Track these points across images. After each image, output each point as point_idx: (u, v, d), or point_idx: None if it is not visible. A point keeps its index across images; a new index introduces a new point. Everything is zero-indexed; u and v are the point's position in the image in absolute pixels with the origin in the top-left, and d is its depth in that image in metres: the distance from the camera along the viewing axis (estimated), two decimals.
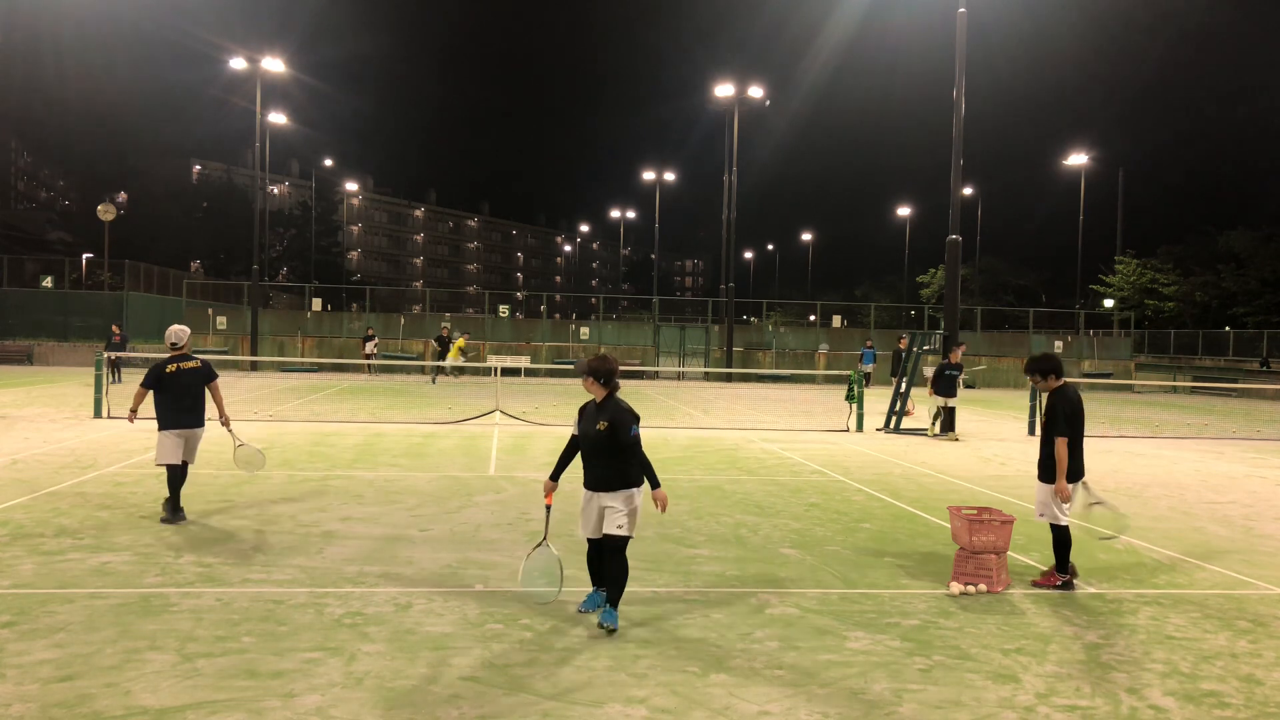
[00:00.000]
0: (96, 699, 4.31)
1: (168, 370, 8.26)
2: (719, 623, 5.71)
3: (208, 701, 4.31)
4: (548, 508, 5.86)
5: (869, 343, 35.89)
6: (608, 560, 5.59)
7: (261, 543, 7.45)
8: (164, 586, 6.16)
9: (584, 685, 4.64)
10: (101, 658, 4.83)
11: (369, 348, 34.36)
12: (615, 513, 5.53)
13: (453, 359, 30.56)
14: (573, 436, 5.77)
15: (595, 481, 5.63)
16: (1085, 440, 6.99)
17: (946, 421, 17.42)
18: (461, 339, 31.95)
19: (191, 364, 8.39)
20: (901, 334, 19.30)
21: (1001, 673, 5.00)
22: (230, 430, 8.80)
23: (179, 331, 8.55)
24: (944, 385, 17.29)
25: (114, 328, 28.14)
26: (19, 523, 7.94)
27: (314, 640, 5.19)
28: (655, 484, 5.65)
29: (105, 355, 17.85)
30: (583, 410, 5.75)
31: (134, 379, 23.84)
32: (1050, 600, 6.46)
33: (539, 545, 5.84)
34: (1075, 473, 6.79)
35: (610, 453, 5.56)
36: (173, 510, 8.19)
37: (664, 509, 5.67)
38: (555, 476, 5.84)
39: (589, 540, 5.78)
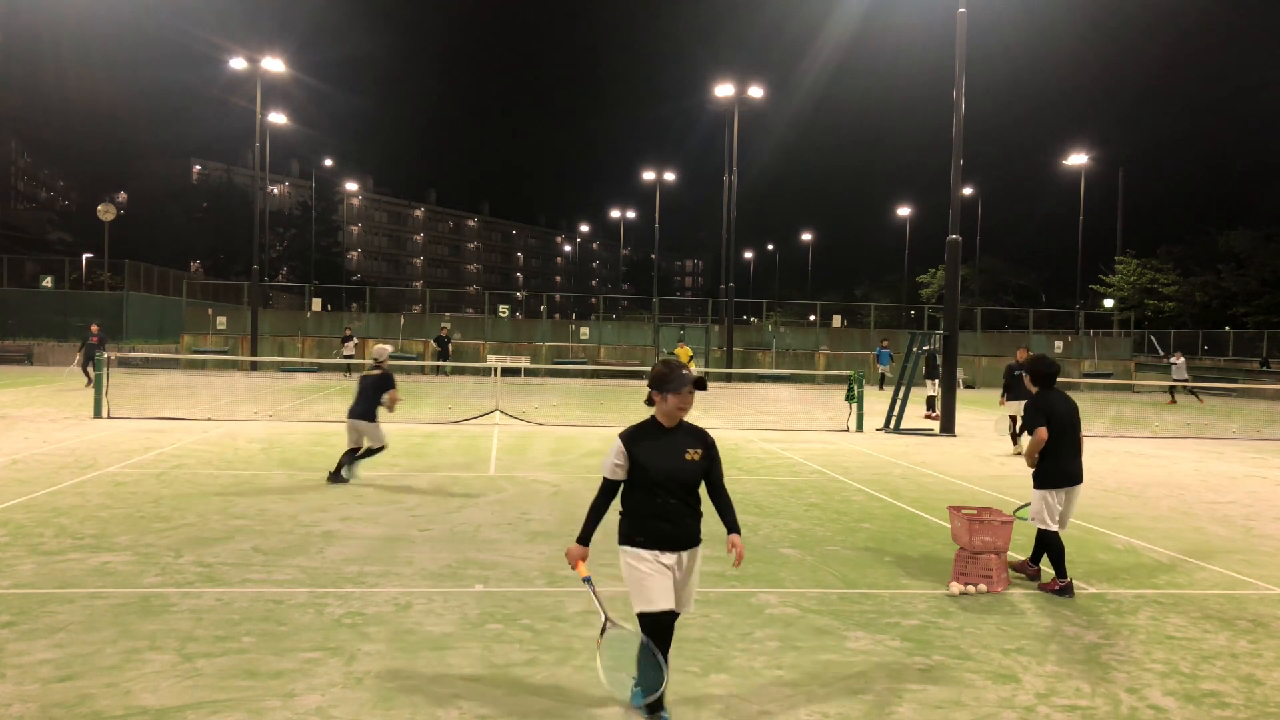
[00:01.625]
0: (96, 699, 4.31)
1: (361, 375, 10.86)
2: (719, 623, 5.71)
3: (208, 701, 4.31)
4: (587, 581, 4.17)
5: (884, 343, 35.80)
6: (666, 637, 4.15)
7: (261, 543, 7.45)
8: (164, 586, 6.16)
9: (584, 685, 4.64)
10: (101, 658, 4.83)
11: (348, 348, 33.11)
12: (695, 577, 4.25)
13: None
14: (609, 481, 4.16)
15: (679, 538, 4.11)
16: (1086, 440, 6.97)
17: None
18: (684, 348, 31.32)
19: (375, 372, 10.71)
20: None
21: (1001, 673, 5.00)
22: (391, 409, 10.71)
23: (380, 350, 11.05)
24: (1019, 389, 14.58)
25: (93, 327, 25.46)
26: (19, 523, 7.94)
27: (314, 640, 5.19)
28: (735, 526, 4.28)
29: (105, 355, 17.80)
30: (637, 438, 4.14)
31: (122, 381, 23.82)
32: (1050, 600, 6.46)
33: (605, 629, 4.18)
34: (1067, 477, 6.74)
35: (697, 495, 4.22)
36: (334, 474, 10.38)
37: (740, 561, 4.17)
38: (587, 538, 4.20)
39: (650, 616, 4.08)
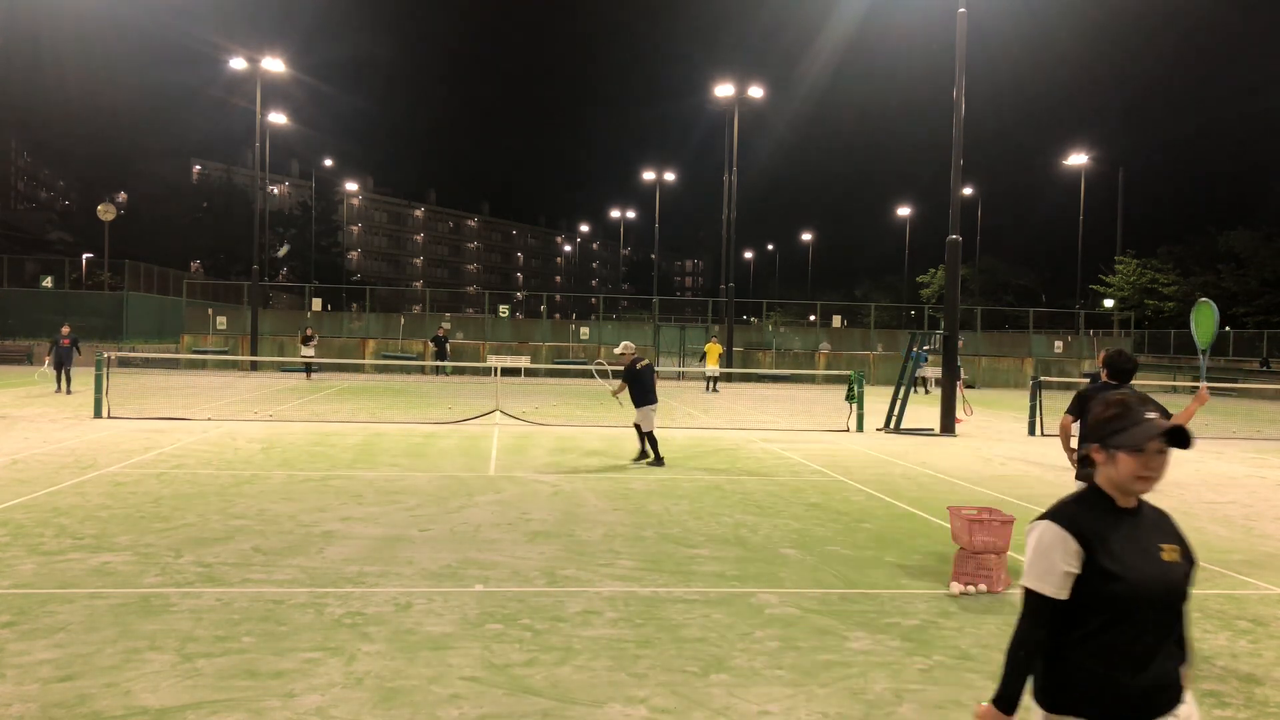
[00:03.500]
0: (96, 699, 4.31)
1: (637, 367, 12.55)
2: (719, 623, 5.71)
3: (208, 701, 4.31)
4: None
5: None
6: None
7: (261, 543, 7.45)
8: (164, 586, 6.16)
9: (584, 685, 4.64)
10: (101, 658, 4.83)
11: (308, 349, 30.97)
12: None
13: (712, 366, 29.46)
14: (1048, 600, 2.43)
15: (1168, 696, 2.43)
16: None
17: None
18: (715, 344, 30.79)
19: (644, 362, 12.63)
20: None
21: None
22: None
23: (626, 345, 12.87)
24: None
25: (63, 329, 23.06)
26: (19, 523, 7.94)
27: (314, 640, 5.19)
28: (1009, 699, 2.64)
29: (105, 355, 17.78)
30: (1091, 524, 2.44)
31: (122, 381, 23.78)
32: None
33: None
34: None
35: (1180, 618, 2.51)
36: (657, 459, 12.32)
37: None
38: (1016, 702, 2.60)
39: None
